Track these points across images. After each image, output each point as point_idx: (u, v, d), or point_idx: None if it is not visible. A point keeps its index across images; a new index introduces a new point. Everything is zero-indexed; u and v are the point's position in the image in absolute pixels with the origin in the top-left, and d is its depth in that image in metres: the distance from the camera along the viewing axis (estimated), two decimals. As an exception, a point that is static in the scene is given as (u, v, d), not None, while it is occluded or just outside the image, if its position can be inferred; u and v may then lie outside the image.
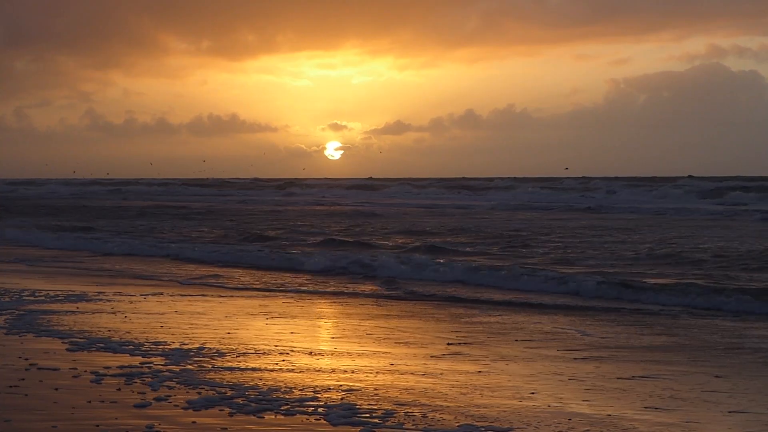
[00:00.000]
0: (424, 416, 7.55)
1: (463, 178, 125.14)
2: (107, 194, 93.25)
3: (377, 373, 9.39)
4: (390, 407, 7.82)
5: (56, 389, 8.35)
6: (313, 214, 49.71)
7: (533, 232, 33.35)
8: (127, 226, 37.76)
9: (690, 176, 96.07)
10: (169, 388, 8.42)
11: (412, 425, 7.27)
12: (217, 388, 8.41)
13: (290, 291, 17.46)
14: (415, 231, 34.25)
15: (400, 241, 29.66)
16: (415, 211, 53.88)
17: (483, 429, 7.21)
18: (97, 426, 7.11)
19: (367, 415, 7.56)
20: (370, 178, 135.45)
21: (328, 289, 17.76)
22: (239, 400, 7.99)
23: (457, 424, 7.32)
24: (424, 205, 63.92)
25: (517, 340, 11.86)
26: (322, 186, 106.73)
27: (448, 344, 11.40)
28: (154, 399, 7.98)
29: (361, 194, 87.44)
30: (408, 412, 7.65)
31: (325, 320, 14.08)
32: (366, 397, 8.19)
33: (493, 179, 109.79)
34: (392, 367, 9.71)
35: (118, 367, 9.37)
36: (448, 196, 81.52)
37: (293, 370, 9.46)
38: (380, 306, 15.54)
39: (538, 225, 38.10)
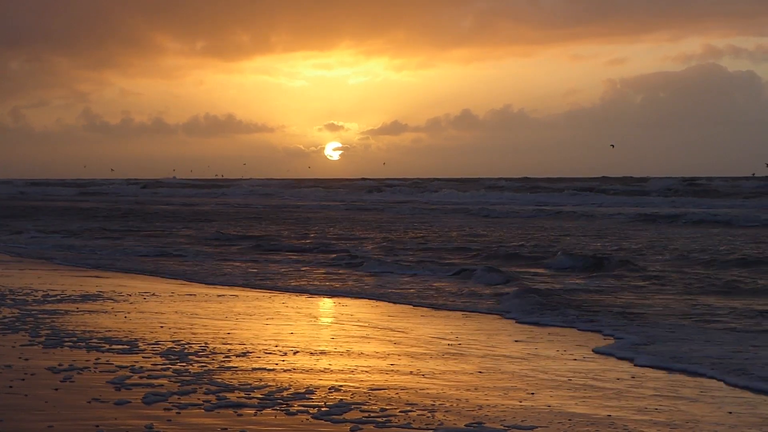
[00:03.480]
0: (431, 415, 7.55)
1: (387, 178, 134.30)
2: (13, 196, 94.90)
3: (378, 373, 9.38)
4: (393, 407, 7.81)
5: (56, 389, 8.33)
6: (163, 214, 51.76)
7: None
8: None
9: (649, 177, 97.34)
10: (169, 387, 8.41)
11: (419, 425, 7.26)
12: (217, 388, 8.40)
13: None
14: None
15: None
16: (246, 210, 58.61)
17: (486, 429, 7.21)
18: (97, 426, 7.09)
19: (369, 414, 7.55)
20: (363, 179, 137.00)
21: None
22: (239, 400, 7.98)
23: (464, 424, 7.31)
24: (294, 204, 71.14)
25: (517, 341, 11.85)
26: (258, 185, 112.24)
27: (449, 344, 11.39)
28: (153, 399, 7.96)
29: (285, 194, 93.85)
30: (411, 412, 7.64)
31: (324, 320, 14.07)
32: (368, 397, 8.17)
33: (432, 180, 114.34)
34: (392, 368, 9.70)
35: (117, 366, 9.35)
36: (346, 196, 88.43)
37: (293, 370, 9.44)
38: (378, 306, 15.54)
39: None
